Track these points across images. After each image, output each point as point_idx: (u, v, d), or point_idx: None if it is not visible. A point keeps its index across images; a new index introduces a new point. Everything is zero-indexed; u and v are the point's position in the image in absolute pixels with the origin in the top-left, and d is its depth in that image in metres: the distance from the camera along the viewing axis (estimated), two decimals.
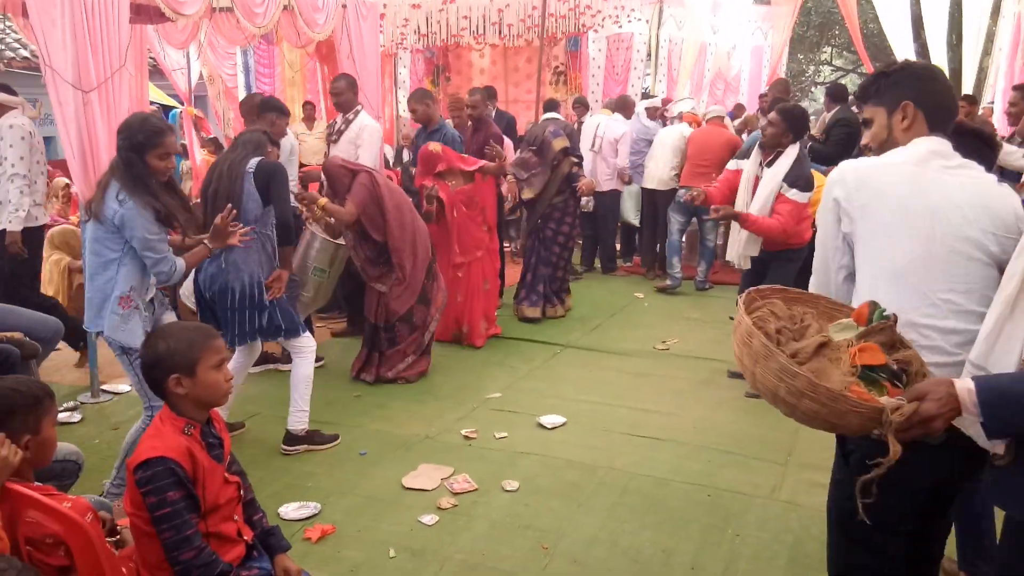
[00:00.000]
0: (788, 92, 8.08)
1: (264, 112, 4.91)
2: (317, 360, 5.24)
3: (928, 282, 1.92)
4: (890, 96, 2.04)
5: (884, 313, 1.81)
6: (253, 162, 3.79)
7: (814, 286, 2.18)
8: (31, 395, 2.04)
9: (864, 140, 2.18)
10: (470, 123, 6.23)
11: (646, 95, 10.07)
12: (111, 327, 3.16)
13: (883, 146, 2.08)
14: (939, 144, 2.00)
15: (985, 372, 1.62)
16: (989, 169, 2.99)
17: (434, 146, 5.48)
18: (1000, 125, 8.44)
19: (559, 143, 6.13)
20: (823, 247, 2.12)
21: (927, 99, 2.01)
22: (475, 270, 5.64)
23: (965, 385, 1.56)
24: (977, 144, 2.79)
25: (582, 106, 9.07)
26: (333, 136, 5.61)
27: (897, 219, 1.94)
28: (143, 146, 3.05)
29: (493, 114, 8.26)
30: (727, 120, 8.12)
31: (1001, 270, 1.87)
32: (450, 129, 5.86)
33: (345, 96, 5.53)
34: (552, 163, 6.17)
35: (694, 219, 7.41)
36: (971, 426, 1.60)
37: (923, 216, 1.93)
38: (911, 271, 1.93)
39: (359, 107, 5.58)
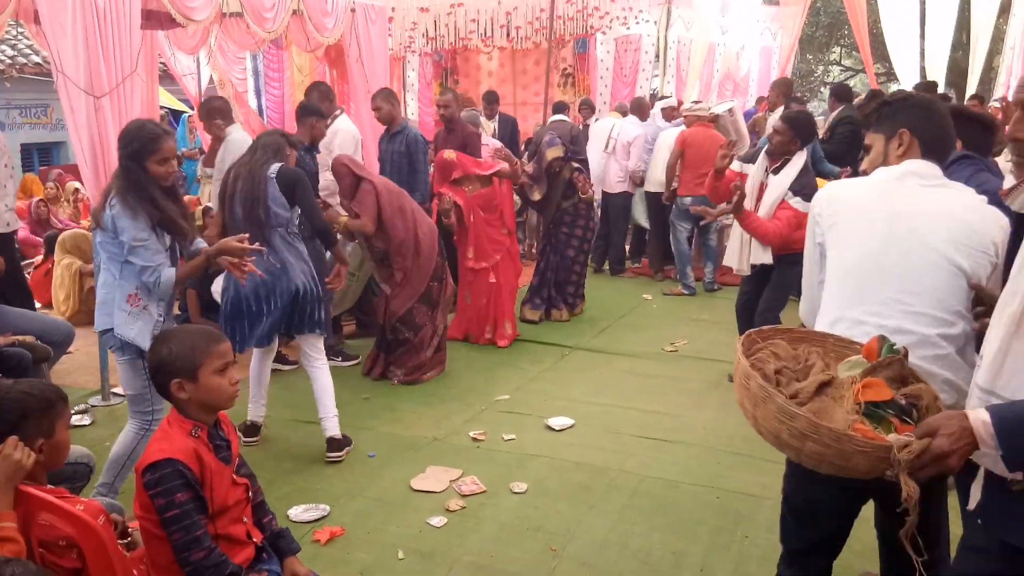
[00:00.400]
0: (791, 92, 8.03)
1: (304, 117, 4.97)
2: (355, 359, 5.30)
3: (877, 282, 1.98)
4: (889, 124, 2.13)
5: (894, 347, 1.76)
6: (274, 167, 3.80)
7: (804, 300, 2.27)
8: (44, 399, 2.06)
9: (863, 166, 2.26)
10: (443, 124, 6.21)
11: (654, 96, 10.06)
12: (120, 323, 3.13)
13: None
14: (921, 166, 2.06)
15: (995, 396, 1.50)
16: (987, 153, 3.01)
17: (448, 154, 5.51)
18: None
19: (552, 153, 6.14)
20: (807, 262, 2.22)
21: (924, 129, 2.08)
22: (499, 272, 5.68)
23: (980, 417, 1.44)
24: (978, 129, 2.81)
25: (588, 108, 9.06)
26: None
27: (855, 222, 2.05)
28: (140, 153, 3.04)
29: (497, 118, 8.28)
30: (738, 110, 8.02)
31: (970, 283, 1.92)
32: (413, 130, 5.81)
33: (322, 106, 5.49)
34: (553, 171, 6.18)
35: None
36: (991, 461, 1.47)
37: (883, 220, 2.00)
38: (859, 270, 2.01)
39: (338, 112, 5.56)
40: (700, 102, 7.91)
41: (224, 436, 2.15)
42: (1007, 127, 1.64)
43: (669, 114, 8.46)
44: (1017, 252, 1.55)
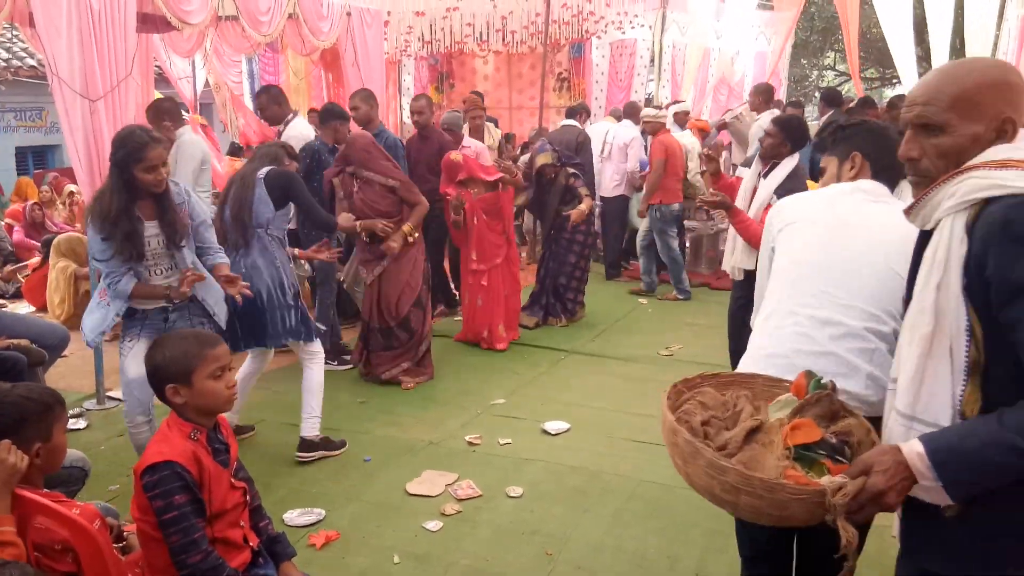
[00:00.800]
0: (772, 96, 8.05)
1: (328, 120, 5.00)
2: (348, 363, 5.30)
3: (813, 276, 2.04)
4: (843, 147, 2.22)
5: (821, 382, 1.71)
6: (264, 170, 3.89)
7: (755, 312, 2.31)
8: (42, 402, 2.06)
9: (818, 186, 2.36)
10: (417, 131, 6.21)
11: (649, 101, 10.08)
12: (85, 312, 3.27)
13: None
14: (869, 184, 2.13)
15: (917, 422, 1.44)
16: None
17: (455, 155, 5.56)
18: None
19: (541, 159, 6.19)
20: (760, 272, 2.29)
21: (876, 153, 2.16)
22: (495, 277, 5.70)
23: (914, 449, 1.37)
24: None
25: (584, 112, 9.07)
26: None
27: (801, 227, 2.13)
28: (126, 161, 3.03)
29: (484, 120, 8.29)
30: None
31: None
32: (391, 135, 5.80)
33: (270, 110, 5.50)
34: (548, 178, 6.19)
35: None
36: (931, 494, 1.39)
37: (827, 226, 2.08)
38: (799, 268, 2.08)
39: (291, 117, 5.49)
40: (661, 107, 7.77)
41: (223, 439, 2.15)
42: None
43: (682, 119, 8.39)
44: (918, 270, 1.52)
